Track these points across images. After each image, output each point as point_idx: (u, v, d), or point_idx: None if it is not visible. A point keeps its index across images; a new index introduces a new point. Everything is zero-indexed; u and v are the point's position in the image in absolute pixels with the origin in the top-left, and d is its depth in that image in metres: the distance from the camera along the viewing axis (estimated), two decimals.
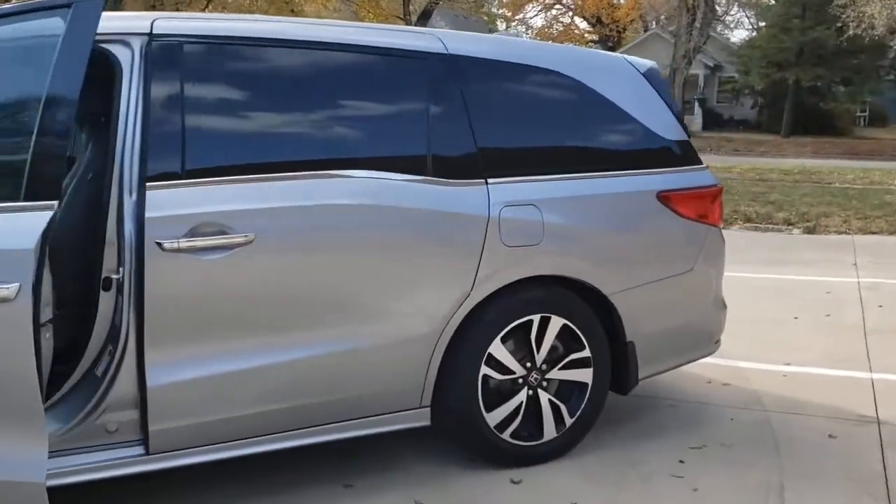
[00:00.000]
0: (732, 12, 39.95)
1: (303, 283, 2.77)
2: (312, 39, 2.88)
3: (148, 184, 2.55)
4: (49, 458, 2.49)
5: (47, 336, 2.04)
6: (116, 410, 2.60)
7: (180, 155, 2.61)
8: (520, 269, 3.13)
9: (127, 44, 2.63)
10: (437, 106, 3.05)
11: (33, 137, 2.11)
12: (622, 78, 3.49)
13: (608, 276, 3.29)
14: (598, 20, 39.03)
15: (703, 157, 3.68)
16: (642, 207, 3.40)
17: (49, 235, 2.01)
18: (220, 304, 2.65)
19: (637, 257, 3.38)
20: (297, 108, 2.86)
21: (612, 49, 38.27)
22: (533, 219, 3.12)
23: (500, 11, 43.10)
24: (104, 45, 2.61)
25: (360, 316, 2.86)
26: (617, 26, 38.31)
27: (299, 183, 2.76)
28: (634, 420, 3.76)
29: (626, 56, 3.68)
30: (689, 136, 3.62)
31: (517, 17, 43.32)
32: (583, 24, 42.51)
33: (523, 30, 44.02)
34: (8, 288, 1.99)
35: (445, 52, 3.11)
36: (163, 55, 2.64)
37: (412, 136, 3.04)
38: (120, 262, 2.56)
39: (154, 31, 2.65)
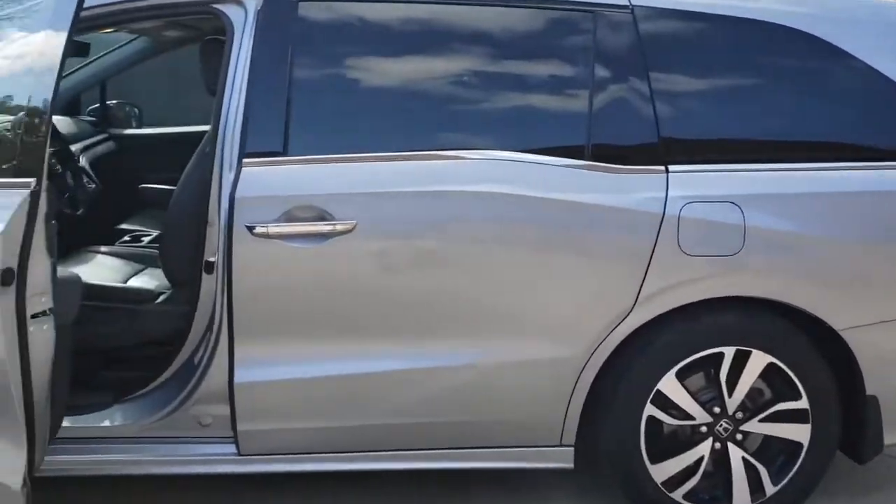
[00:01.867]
0: None
1: (412, 281, 2.34)
2: None
3: (245, 160, 2.30)
4: (142, 445, 2.43)
5: (45, 327, 1.88)
6: (209, 403, 2.41)
7: (283, 130, 2.32)
8: (705, 285, 2.39)
9: (240, 3, 2.39)
10: (607, 70, 2.40)
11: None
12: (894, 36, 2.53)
13: (840, 304, 2.41)
14: None
15: None
16: None
17: (35, 217, 1.82)
18: (314, 299, 2.33)
19: (888, 282, 2.43)
20: (422, 76, 2.41)
21: None
22: (729, 221, 2.36)
23: None
24: (217, 6, 2.40)
25: (481, 327, 2.37)
26: None
27: (413, 164, 2.33)
28: (876, 491, 2.79)
29: None
30: None
31: None
32: None
33: None
34: None
35: (626, 2, 2.45)
36: (274, 16, 2.36)
37: (568, 108, 2.45)
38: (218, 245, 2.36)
39: None
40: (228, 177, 2.32)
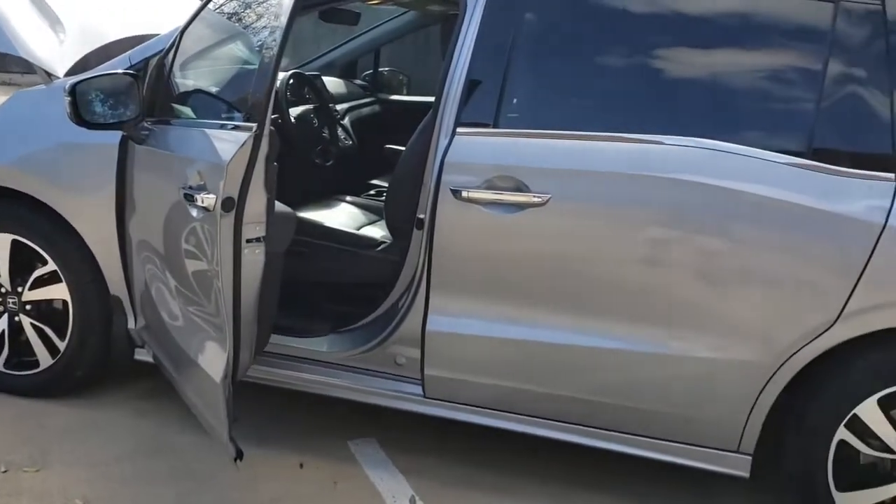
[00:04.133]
0: None
1: (599, 262, 2.37)
2: None
3: (459, 129, 2.47)
4: (343, 372, 2.74)
5: (256, 252, 2.17)
6: (405, 345, 2.64)
7: (496, 103, 2.46)
8: None
9: None
10: (841, 63, 2.23)
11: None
12: None
13: None
14: None
15: None
16: None
17: (256, 156, 2.10)
18: (502, 264, 2.45)
19: None
20: (631, 61, 2.42)
21: None
22: None
23: None
24: None
25: (664, 317, 2.34)
26: None
27: (613, 146, 2.34)
28: None
29: None
30: None
31: None
32: None
33: None
34: (211, 197, 2.14)
35: None
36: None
37: (792, 102, 2.31)
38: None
39: None
40: (443, 142, 2.50)
